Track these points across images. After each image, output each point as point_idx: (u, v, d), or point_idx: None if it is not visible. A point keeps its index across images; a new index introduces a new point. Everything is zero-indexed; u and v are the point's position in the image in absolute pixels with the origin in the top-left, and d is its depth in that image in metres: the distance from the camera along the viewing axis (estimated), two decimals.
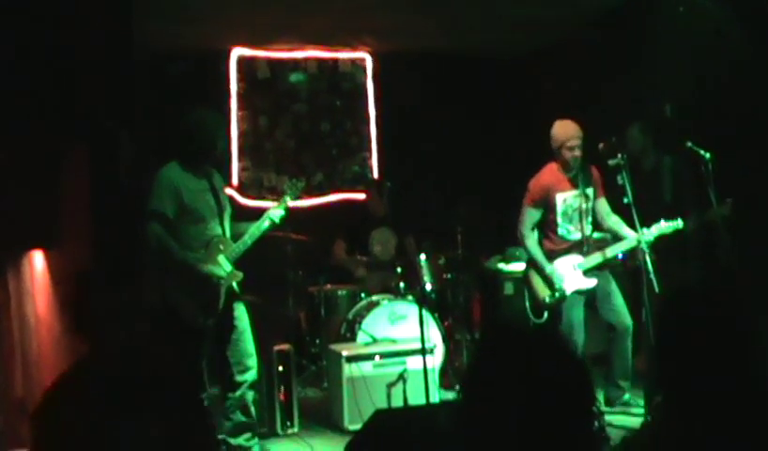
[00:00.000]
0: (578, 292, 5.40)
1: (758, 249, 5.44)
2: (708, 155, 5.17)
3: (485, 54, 8.21)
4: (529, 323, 5.56)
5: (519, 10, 6.84)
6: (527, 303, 5.63)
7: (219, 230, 4.71)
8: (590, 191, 5.46)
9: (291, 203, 4.91)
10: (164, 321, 4.61)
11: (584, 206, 5.43)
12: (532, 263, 5.52)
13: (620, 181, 5.11)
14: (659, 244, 5.22)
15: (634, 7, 6.64)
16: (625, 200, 5.17)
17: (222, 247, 4.68)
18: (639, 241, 5.07)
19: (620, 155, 5.12)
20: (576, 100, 7.04)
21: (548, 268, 5.39)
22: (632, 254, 5.77)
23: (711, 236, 5.57)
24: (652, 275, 4.86)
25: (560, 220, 5.43)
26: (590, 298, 5.48)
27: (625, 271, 6.34)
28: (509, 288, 7.06)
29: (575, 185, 5.44)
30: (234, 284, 4.73)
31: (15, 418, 4.88)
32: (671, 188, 5.87)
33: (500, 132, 8.26)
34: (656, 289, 4.84)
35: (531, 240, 5.48)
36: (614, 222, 5.43)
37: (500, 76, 8.37)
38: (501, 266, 7.26)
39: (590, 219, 5.49)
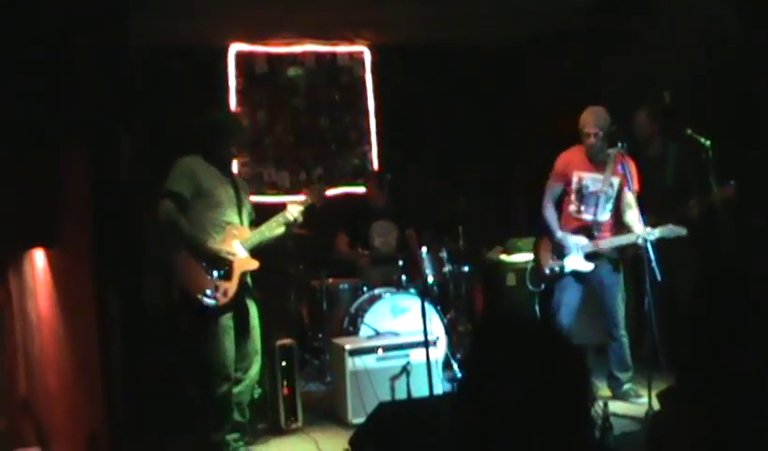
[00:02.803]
0: (575, 273, 5.44)
1: (756, 233, 5.44)
2: (708, 142, 5.16)
3: (484, 44, 8.17)
4: (526, 290, 5.75)
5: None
6: (529, 266, 5.74)
7: (236, 219, 4.74)
8: (615, 180, 5.38)
9: (309, 205, 4.95)
10: (179, 304, 4.64)
11: (605, 192, 5.38)
12: (546, 230, 5.55)
13: (620, 171, 5.10)
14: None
15: None
16: (626, 189, 5.15)
17: (236, 233, 4.71)
18: (638, 238, 5.02)
19: (619, 144, 5.11)
20: (576, 89, 7.01)
21: (559, 234, 5.45)
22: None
23: (711, 220, 5.55)
24: (654, 264, 4.85)
25: (573, 197, 5.47)
26: (584, 287, 5.48)
27: (625, 259, 6.34)
28: (511, 279, 7.05)
29: (598, 169, 5.39)
30: (248, 278, 4.74)
31: (18, 417, 4.90)
32: (674, 175, 5.84)
33: (500, 122, 8.25)
34: (658, 278, 4.84)
35: (549, 209, 5.54)
36: (629, 217, 5.30)
37: (500, 66, 8.33)
38: (503, 257, 7.24)
39: (609, 206, 5.41)
